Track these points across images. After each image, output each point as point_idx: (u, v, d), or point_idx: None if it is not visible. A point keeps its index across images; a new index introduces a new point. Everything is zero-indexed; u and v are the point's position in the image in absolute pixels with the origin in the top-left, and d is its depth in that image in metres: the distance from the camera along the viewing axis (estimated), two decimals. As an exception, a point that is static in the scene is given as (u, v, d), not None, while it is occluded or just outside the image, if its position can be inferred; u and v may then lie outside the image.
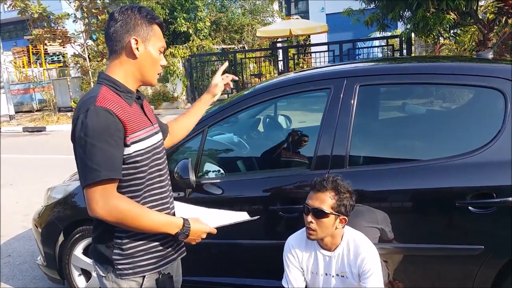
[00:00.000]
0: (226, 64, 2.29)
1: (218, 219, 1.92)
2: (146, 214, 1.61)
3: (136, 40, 1.63)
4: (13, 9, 14.45)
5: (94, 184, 1.51)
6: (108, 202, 1.52)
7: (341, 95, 2.53)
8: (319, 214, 2.07)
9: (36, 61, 21.27)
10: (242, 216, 2.03)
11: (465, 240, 2.30)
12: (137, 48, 1.64)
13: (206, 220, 1.81)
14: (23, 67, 21.34)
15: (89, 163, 1.50)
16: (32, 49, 21.21)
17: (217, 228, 1.80)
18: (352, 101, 2.50)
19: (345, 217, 2.10)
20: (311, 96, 3.20)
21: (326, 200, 2.07)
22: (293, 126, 4.13)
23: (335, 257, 2.16)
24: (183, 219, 1.70)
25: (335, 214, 2.07)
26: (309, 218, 2.09)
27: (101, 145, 1.50)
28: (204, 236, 1.75)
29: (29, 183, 7.22)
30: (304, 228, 2.17)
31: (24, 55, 21.53)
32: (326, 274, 2.19)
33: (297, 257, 2.25)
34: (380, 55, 17.12)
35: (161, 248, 1.72)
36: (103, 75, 1.67)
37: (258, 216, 2.09)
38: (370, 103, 2.94)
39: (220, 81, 2.17)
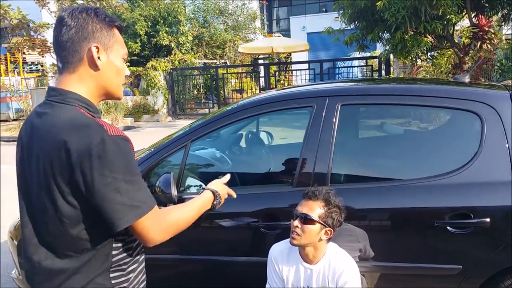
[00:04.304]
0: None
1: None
2: (187, 209, 1.54)
3: (97, 48, 1.39)
4: (-8, 16, 14.19)
5: (144, 218, 1.35)
6: (161, 225, 1.40)
7: (323, 114, 2.57)
8: (306, 220, 2.11)
9: (14, 70, 20.89)
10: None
11: (443, 260, 2.34)
12: (99, 58, 1.40)
13: None
14: (0, 75, 20.93)
15: (127, 201, 1.31)
16: (10, 57, 20.85)
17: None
18: (334, 120, 2.54)
19: (331, 230, 2.13)
20: (293, 113, 3.24)
21: (315, 209, 2.12)
22: (274, 143, 4.16)
23: (316, 271, 2.18)
24: (210, 190, 1.67)
25: (321, 224, 2.11)
26: (296, 222, 2.13)
27: (134, 179, 1.34)
28: (226, 191, 1.75)
29: (5, 194, 7.04)
30: (288, 239, 2.20)
31: (2, 64, 21.13)
32: (308, 287, 2.21)
33: (279, 267, 2.28)
34: (359, 75, 17.45)
35: (142, 274, 1.60)
36: (72, 95, 1.40)
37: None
38: (351, 122, 3.00)
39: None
